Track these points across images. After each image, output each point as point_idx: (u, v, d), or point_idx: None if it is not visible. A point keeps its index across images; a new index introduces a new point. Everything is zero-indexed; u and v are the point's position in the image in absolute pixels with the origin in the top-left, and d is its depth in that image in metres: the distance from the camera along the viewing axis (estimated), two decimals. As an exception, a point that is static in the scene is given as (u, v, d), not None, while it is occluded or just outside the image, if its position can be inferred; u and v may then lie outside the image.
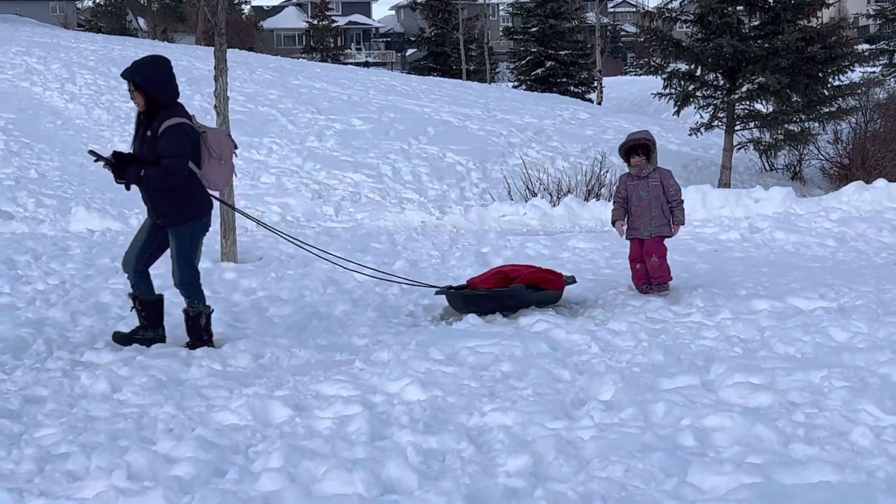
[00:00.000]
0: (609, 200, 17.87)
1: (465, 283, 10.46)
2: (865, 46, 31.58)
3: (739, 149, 25.34)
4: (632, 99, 43.99)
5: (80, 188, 19.18)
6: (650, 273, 10.25)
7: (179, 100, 8.33)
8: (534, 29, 51.90)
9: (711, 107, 25.30)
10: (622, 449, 5.51)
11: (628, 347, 8.18)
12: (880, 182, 17.93)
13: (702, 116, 25.60)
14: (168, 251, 8.51)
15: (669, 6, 27.06)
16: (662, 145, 27.73)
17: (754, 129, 25.42)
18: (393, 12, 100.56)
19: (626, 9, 73.14)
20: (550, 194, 19.52)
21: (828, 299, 9.82)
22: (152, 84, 8.09)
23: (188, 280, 8.43)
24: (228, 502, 4.86)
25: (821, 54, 24.37)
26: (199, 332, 8.49)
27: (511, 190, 20.66)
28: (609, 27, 67.60)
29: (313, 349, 8.45)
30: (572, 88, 49.44)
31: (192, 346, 8.46)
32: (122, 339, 8.47)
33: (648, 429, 5.94)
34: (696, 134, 25.48)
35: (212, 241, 14.22)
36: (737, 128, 25.18)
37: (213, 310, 8.75)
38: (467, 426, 6.17)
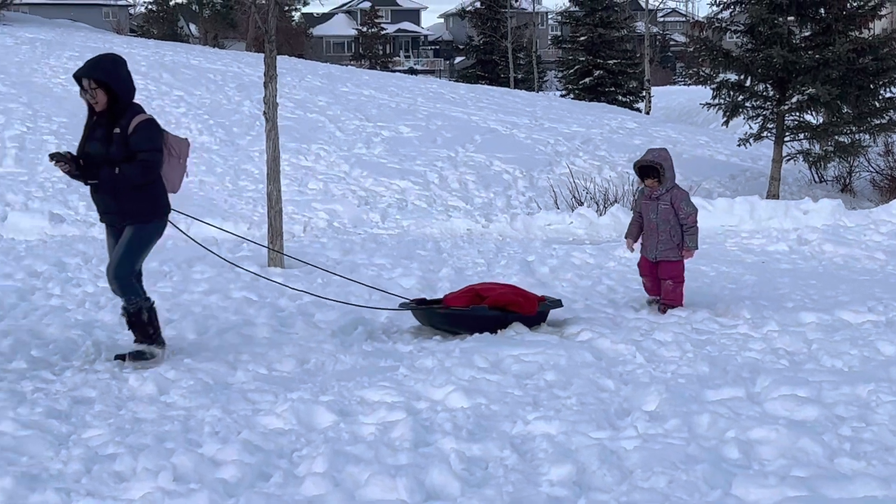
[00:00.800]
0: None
1: (441, 297, 10.11)
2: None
3: (788, 160, 25.13)
4: (680, 109, 43.82)
5: (131, 192, 19.33)
6: (663, 295, 10.10)
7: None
8: (583, 38, 51.76)
9: (761, 117, 25.11)
10: (666, 460, 5.48)
11: (673, 358, 8.13)
12: (931, 195, 17.73)
13: (751, 127, 25.41)
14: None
15: (719, 16, 26.87)
16: (711, 156, 27.63)
17: (804, 141, 25.20)
18: (442, 20, 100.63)
19: (676, 19, 72.94)
20: (597, 203, 19.47)
21: (876, 313, 9.68)
22: (117, 81, 7.77)
23: (124, 273, 7.96)
24: (273, 506, 4.88)
25: (872, 66, 24.10)
26: (145, 328, 8.10)
27: (557, 199, 20.64)
28: (658, 37, 67.40)
29: (358, 355, 8.47)
30: (620, 98, 49.27)
31: (138, 346, 8.11)
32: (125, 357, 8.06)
33: (693, 440, 5.91)
34: (745, 145, 25.32)
35: (259, 246, 14.32)
36: (786, 139, 24.98)
37: (153, 301, 8.28)
38: (511, 434, 6.15)
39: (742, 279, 12.20)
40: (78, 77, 7.73)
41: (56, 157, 7.70)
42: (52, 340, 8.79)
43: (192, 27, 53.09)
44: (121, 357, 8.05)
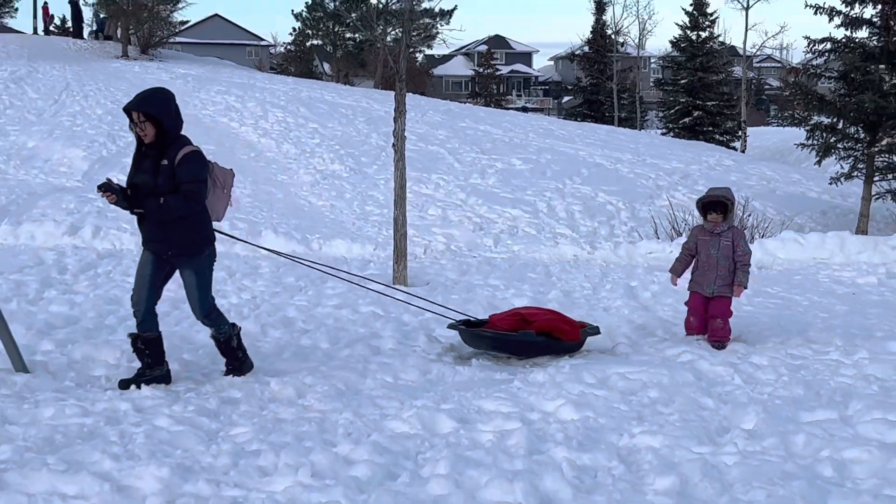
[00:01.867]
0: (752, 242, 17.58)
1: (487, 318, 9.65)
2: None
3: (877, 199, 24.72)
4: (774, 148, 43.16)
5: (269, 214, 19.63)
6: (711, 333, 9.46)
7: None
8: (683, 81, 51.43)
9: (852, 158, 24.73)
10: (764, 475, 5.41)
11: (769, 381, 8.01)
12: None
13: (842, 167, 25.03)
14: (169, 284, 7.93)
15: (814, 63, 26.63)
16: (803, 193, 27.18)
17: (892, 181, 24.80)
18: (551, 63, 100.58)
19: (771, 64, 71.99)
20: (695, 235, 19.27)
21: (962, 342, 9.47)
22: (166, 115, 7.41)
23: (207, 309, 7.80)
24: (401, 503, 4.91)
25: (957, 112, 23.70)
26: (234, 353, 7.95)
27: (658, 229, 20.47)
28: (754, 81, 66.53)
29: (475, 367, 8.49)
30: (717, 137, 48.85)
31: (231, 368, 7.96)
32: (126, 385, 7.52)
33: (789, 458, 5.82)
34: (836, 183, 24.93)
35: (385, 265, 14.46)
36: (875, 178, 24.59)
37: (240, 328, 8.12)
38: (618, 446, 6.13)
39: (833, 309, 11.99)
40: (128, 110, 7.41)
41: (103, 188, 7.40)
42: (202, 345, 8.96)
43: (326, 66, 53.76)
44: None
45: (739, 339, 9.88)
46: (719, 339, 9.33)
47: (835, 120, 24.99)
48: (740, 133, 46.23)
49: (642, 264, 16.36)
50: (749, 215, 20.47)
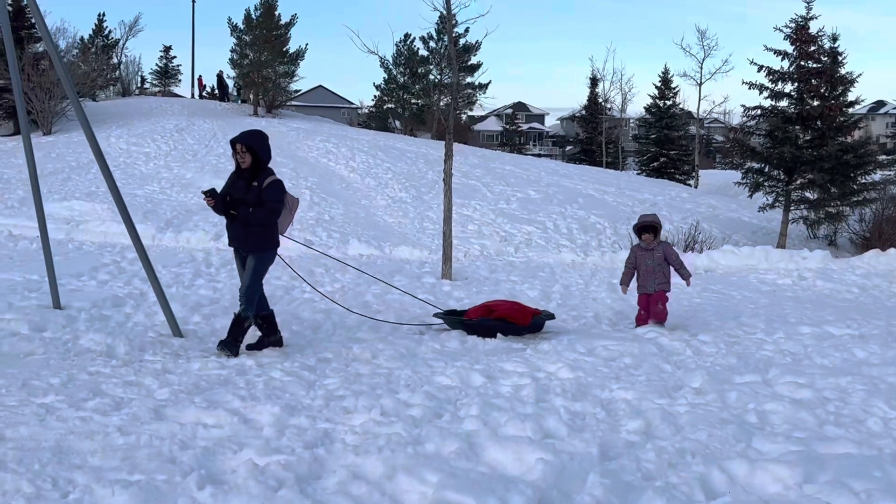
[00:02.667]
0: (701, 252, 17.40)
1: (465, 310, 9.31)
2: (884, 157, 30.11)
3: (793, 223, 24.52)
4: (718, 185, 42.54)
5: (355, 227, 19.71)
6: (653, 315, 9.16)
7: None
8: (653, 136, 50.95)
9: (774, 192, 24.53)
10: (706, 421, 5.35)
11: (712, 352, 7.93)
12: (892, 251, 17.08)
13: (767, 199, 24.84)
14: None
15: (748, 124, 26.53)
16: (738, 218, 26.87)
17: (804, 209, 24.61)
18: (559, 122, 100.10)
19: (717, 125, 71.21)
20: (659, 246, 19.10)
21: (852, 329, 9.31)
22: (262, 149, 7.29)
23: (252, 292, 7.39)
24: (444, 435, 4.90)
25: (853, 161, 23.50)
26: (237, 333, 7.32)
27: (633, 242, 20.30)
28: (704, 136, 65.83)
29: (498, 340, 8.47)
30: (678, 176, 48.23)
31: (225, 344, 7.23)
32: (254, 347, 7.47)
33: (725, 408, 5.75)
34: (763, 211, 24.78)
35: (436, 264, 14.45)
36: (792, 208, 24.41)
37: (252, 323, 7.52)
38: (600, 398, 6.08)
39: (759, 301, 11.85)
40: (233, 142, 7.29)
41: (208, 193, 7.31)
42: (305, 320, 9.02)
43: (397, 123, 53.93)
44: (252, 347, 7.51)
45: (690, 322, 9.80)
46: (661, 319, 9.14)
47: (763, 165, 24.90)
48: (694, 174, 45.68)
49: (621, 267, 16.22)
50: (699, 233, 20.28)
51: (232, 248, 7.67)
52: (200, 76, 50.90)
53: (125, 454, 4.52)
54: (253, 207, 7.23)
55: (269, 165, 7.48)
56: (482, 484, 4.06)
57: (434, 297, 11.09)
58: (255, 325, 7.58)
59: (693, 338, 8.62)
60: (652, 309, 9.27)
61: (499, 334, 8.59)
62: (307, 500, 3.92)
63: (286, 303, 10.11)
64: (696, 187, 41.39)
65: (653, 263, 9.31)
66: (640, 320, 9.40)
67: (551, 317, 9.25)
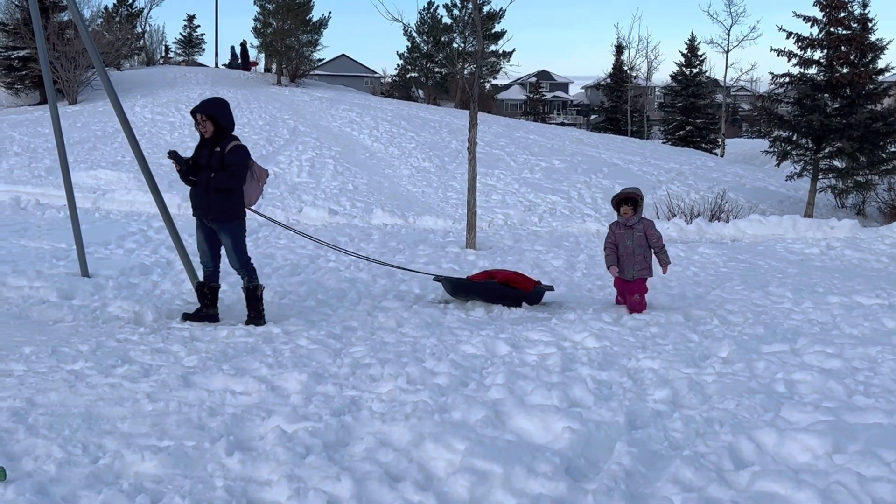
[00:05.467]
0: (727, 222, 17.24)
1: (465, 277, 9.16)
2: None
3: (820, 192, 24.30)
4: (745, 154, 42.08)
5: (379, 196, 19.70)
6: (630, 306, 8.19)
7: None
8: (679, 104, 50.51)
9: (802, 161, 24.33)
10: (734, 390, 5.31)
11: (739, 322, 7.85)
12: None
13: (795, 168, 24.63)
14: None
15: (775, 91, 26.17)
16: (766, 187, 26.62)
17: (832, 178, 24.33)
18: (583, 90, 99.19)
19: (744, 93, 70.24)
20: (685, 216, 18.96)
21: (881, 298, 9.22)
22: (222, 116, 7.09)
23: (244, 261, 7.28)
24: (470, 403, 4.90)
25: (882, 129, 23.21)
26: (257, 304, 7.28)
27: (658, 212, 20.17)
28: (731, 105, 65.02)
29: (524, 309, 8.44)
30: (703, 145, 47.80)
31: (252, 320, 7.24)
32: (190, 317, 7.27)
33: (753, 378, 5.70)
34: (790, 180, 24.60)
35: (460, 234, 14.42)
36: (820, 177, 24.15)
37: (265, 287, 7.49)
38: (627, 367, 6.05)
39: (787, 271, 11.73)
40: (193, 112, 7.12)
41: (174, 157, 7.14)
42: (331, 289, 9.03)
43: (420, 91, 53.68)
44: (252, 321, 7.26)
45: (717, 291, 9.72)
46: (638, 311, 8.11)
47: (790, 134, 24.65)
48: (720, 142, 45.25)
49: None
50: (726, 202, 20.11)
51: (195, 218, 7.38)
52: (244, 41, 50.49)
53: (154, 420, 4.56)
54: (215, 172, 7.04)
55: (235, 133, 7.28)
56: (509, 452, 4.06)
57: (458, 267, 11.07)
58: (198, 293, 7.43)
59: (720, 307, 8.55)
60: (629, 299, 8.30)
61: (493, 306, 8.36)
62: (335, 467, 3.93)
63: (311, 272, 10.13)
64: (722, 156, 41.00)
65: (632, 244, 8.35)
66: (619, 303, 8.59)
67: (550, 289, 8.98)
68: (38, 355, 5.78)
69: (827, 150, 24.12)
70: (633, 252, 8.34)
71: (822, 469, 4.04)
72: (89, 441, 4.21)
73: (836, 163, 24.53)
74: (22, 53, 36.16)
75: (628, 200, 8.40)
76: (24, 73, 36.76)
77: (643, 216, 8.52)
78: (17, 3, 37.67)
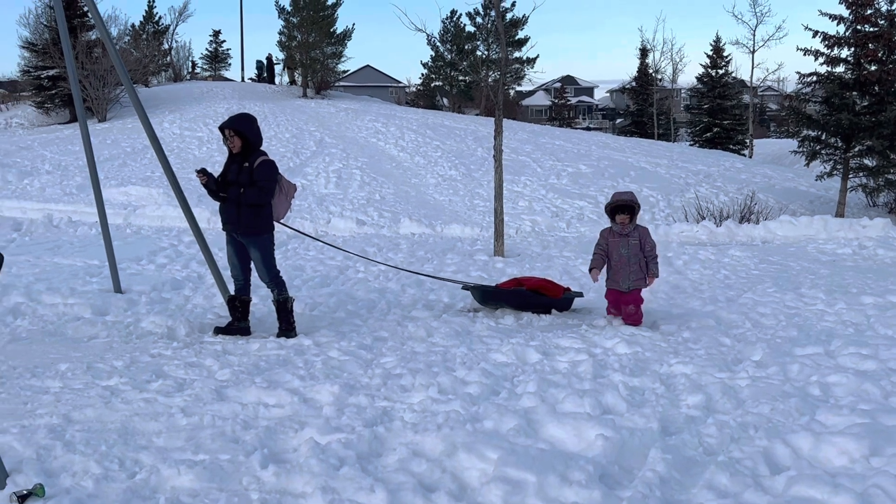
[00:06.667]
0: (757, 223, 17.09)
1: (494, 285, 9.10)
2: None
3: (851, 191, 23.99)
4: (773, 154, 41.70)
5: (406, 206, 19.73)
6: (625, 318, 7.80)
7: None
8: (706, 106, 50.19)
9: (832, 161, 24.03)
10: (768, 394, 5.27)
11: (771, 325, 7.80)
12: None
13: (825, 168, 24.33)
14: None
15: (803, 91, 25.96)
16: (795, 187, 26.37)
17: (862, 177, 24.04)
18: (608, 94, 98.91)
19: (771, 93, 69.62)
20: (715, 218, 18.80)
21: (917, 298, 9.10)
22: (250, 131, 7.16)
23: (274, 275, 7.33)
24: (502, 412, 4.90)
25: (913, 125, 22.92)
26: (288, 316, 7.32)
27: (687, 215, 20.02)
28: (758, 105, 64.50)
29: (554, 315, 8.43)
30: (731, 146, 47.47)
31: (283, 332, 7.29)
32: (222, 331, 7.36)
33: (787, 381, 5.66)
34: (820, 179, 24.29)
35: (488, 241, 14.42)
36: (850, 176, 23.87)
37: (295, 299, 7.57)
38: (659, 372, 6.03)
39: (819, 272, 11.60)
40: (221, 128, 7.20)
41: (201, 172, 7.17)
42: (360, 300, 9.06)
43: (445, 100, 53.76)
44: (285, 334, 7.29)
45: (748, 294, 9.63)
46: (633, 324, 7.73)
47: (819, 133, 24.39)
48: (748, 143, 44.90)
49: (675, 241, 16.01)
50: (755, 204, 19.94)
51: (225, 232, 7.43)
52: (270, 55, 50.77)
53: (189, 434, 4.60)
54: (244, 188, 7.10)
55: (263, 149, 7.34)
56: (542, 460, 4.05)
57: (487, 275, 11.07)
58: (230, 306, 7.50)
59: (751, 310, 8.48)
60: (624, 310, 7.87)
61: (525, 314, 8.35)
62: (368, 478, 3.95)
63: (340, 283, 10.17)
64: (750, 157, 40.67)
65: (627, 252, 7.86)
66: (611, 313, 8.11)
67: (580, 295, 8.94)
68: (74, 372, 5.87)
69: (857, 149, 23.83)
70: (627, 261, 7.84)
71: (860, 473, 4.00)
72: (126, 456, 4.26)
73: (866, 161, 24.22)
74: (51, 73, 36.68)
75: (624, 208, 7.86)
76: (53, 92, 37.28)
77: (639, 224, 8.04)
78: (45, 23, 38.28)
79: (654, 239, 8.12)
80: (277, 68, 49.92)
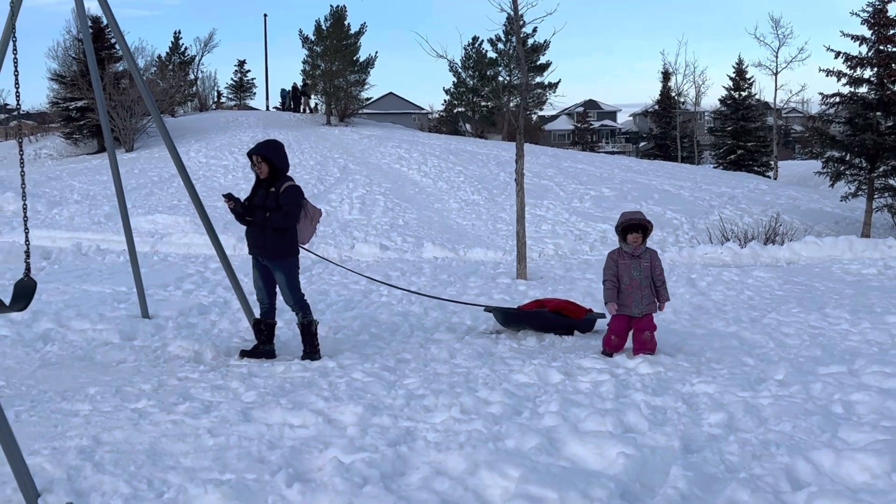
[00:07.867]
0: (782, 244, 17.01)
1: (516, 307, 9.11)
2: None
3: (877, 211, 23.83)
4: (798, 175, 41.47)
5: (429, 231, 19.85)
6: (640, 345, 7.33)
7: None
8: (729, 128, 50.07)
9: (857, 181, 23.91)
10: (790, 412, 5.27)
11: (795, 344, 7.77)
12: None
13: (849, 188, 24.21)
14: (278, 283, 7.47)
15: (827, 112, 25.91)
16: (820, 207, 26.21)
17: (888, 197, 23.89)
18: (631, 118, 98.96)
19: (795, 114, 69.38)
20: (739, 240, 18.74)
21: (943, 317, 9.02)
22: (277, 157, 7.25)
23: (298, 298, 7.40)
24: (524, 431, 4.93)
25: (939, 146, 22.79)
26: (312, 338, 7.41)
27: (711, 236, 19.97)
28: (782, 127, 64.27)
29: (576, 336, 8.44)
30: (756, 168, 47.33)
31: (308, 355, 7.39)
32: (248, 354, 7.47)
33: (810, 400, 5.64)
34: (845, 200, 24.16)
35: (511, 265, 14.46)
36: (875, 196, 23.72)
37: (319, 322, 7.66)
38: (681, 392, 6.03)
39: (843, 292, 11.52)
40: (250, 154, 7.30)
41: (228, 197, 7.30)
42: (383, 323, 9.13)
43: (468, 126, 54.05)
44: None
45: (772, 314, 9.59)
46: (650, 351, 7.32)
47: (843, 154, 24.29)
48: (773, 165, 44.69)
49: (699, 262, 15.98)
50: (780, 225, 19.85)
51: (251, 256, 7.52)
52: (295, 84, 51.30)
53: (216, 455, 4.68)
54: (270, 212, 7.19)
55: (289, 174, 7.43)
56: (564, 478, 4.09)
57: (509, 297, 11.11)
58: (255, 330, 7.59)
59: (775, 330, 8.46)
60: (636, 338, 7.40)
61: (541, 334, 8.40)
62: (392, 496, 4.00)
63: (364, 306, 10.25)
64: (775, 179, 40.50)
65: (639, 275, 7.39)
66: (611, 346, 7.49)
67: (602, 316, 8.75)
68: (103, 395, 5.98)
69: (882, 169, 23.70)
70: (639, 285, 7.37)
71: (881, 488, 4.00)
72: (154, 476, 4.34)
73: (891, 181, 24.08)
74: (79, 104, 37.33)
75: (637, 227, 7.43)
76: (81, 122, 37.93)
77: (648, 247, 7.58)
78: (73, 55, 39.00)
79: (661, 263, 7.66)
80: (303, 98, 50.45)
